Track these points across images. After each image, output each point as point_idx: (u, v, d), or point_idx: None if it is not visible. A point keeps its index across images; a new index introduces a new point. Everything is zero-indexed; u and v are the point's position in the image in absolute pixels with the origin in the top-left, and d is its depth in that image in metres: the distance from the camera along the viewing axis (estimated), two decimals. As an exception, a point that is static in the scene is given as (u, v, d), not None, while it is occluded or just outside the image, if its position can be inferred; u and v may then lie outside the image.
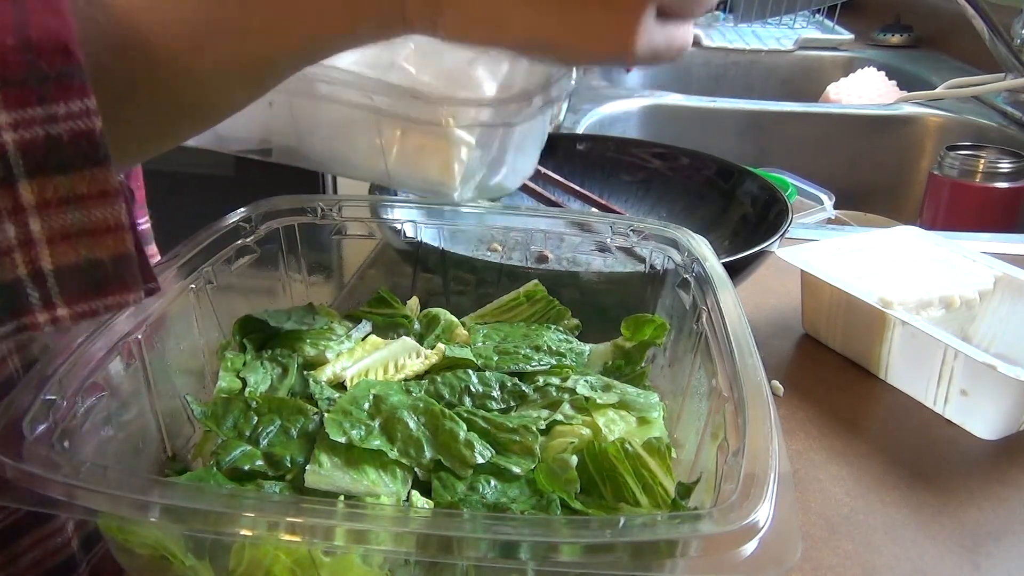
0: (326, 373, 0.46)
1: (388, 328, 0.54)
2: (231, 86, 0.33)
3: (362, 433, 0.39)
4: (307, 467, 0.38)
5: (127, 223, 0.28)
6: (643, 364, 0.50)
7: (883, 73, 1.53)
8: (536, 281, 0.56)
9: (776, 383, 0.60)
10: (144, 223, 0.56)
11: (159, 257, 0.51)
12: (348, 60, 0.50)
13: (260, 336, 0.50)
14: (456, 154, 0.52)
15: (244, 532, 0.29)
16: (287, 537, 0.29)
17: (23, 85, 0.25)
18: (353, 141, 0.54)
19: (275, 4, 0.31)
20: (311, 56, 0.34)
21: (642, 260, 0.55)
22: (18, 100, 0.25)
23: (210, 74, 0.31)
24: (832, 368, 0.64)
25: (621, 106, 1.33)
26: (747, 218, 0.76)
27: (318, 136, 0.54)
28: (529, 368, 0.48)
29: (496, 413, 0.43)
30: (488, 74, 0.49)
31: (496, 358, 0.48)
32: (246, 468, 0.38)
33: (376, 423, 0.40)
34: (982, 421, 0.55)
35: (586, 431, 0.42)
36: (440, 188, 0.55)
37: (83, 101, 0.26)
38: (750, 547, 0.27)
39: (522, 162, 0.58)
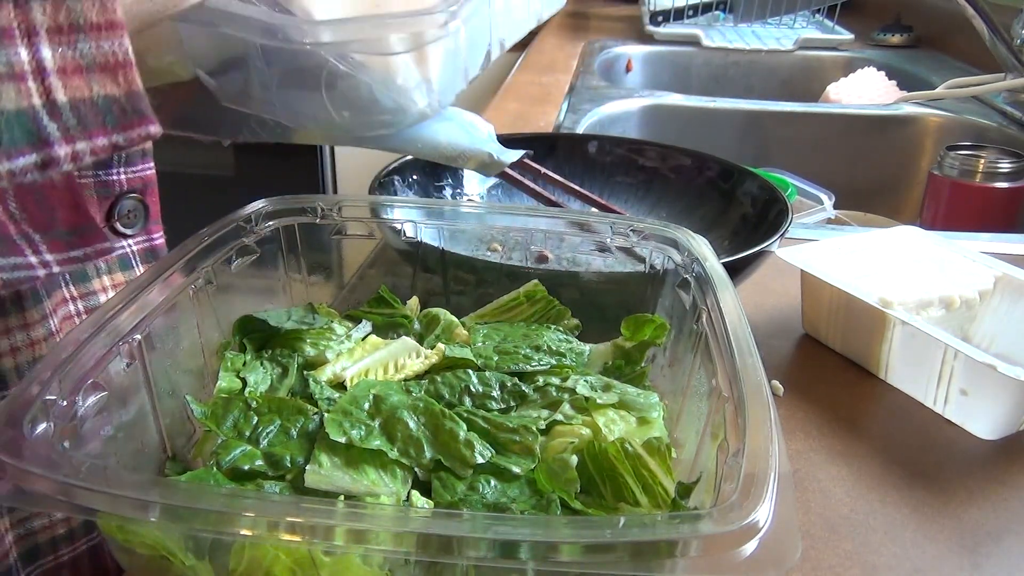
0: (326, 373, 0.46)
1: (388, 328, 0.54)
2: None
3: (362, 433, 0.39)
4: (307, 467, 0.38)
5: (132, 59, 0.28)
6: (643, 364, 0.50)
7: (883, 73, 1.53)
8: (536, 281, 0.56)
9: (776, 383, 0.60)
10: (159, 238, 0.56)
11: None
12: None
13: (260, 336, 0.50)
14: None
15: (244, 532, 0.29)
16: (287, 537, 0.29)
17: None
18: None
19: None
20: None
21: (642, 260, 0.55)
22: None
23: None
24: (832, 368, 0.64)
25: (621, 106, 1.33)
26: (747, 218, 0.76)
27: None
28: (529, 368, 0.48)
29: (496, 413, 0.43)
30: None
31: (496, 358, 0.48)
32: (246, 468, 0.38)
33: (376, 423, 0.40)
34: (982, 421, 0.55)
35: (586, 431, 0.42)
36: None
37: None
38: (750, 547, 0.27)
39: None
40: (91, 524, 0.48)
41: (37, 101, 0.27)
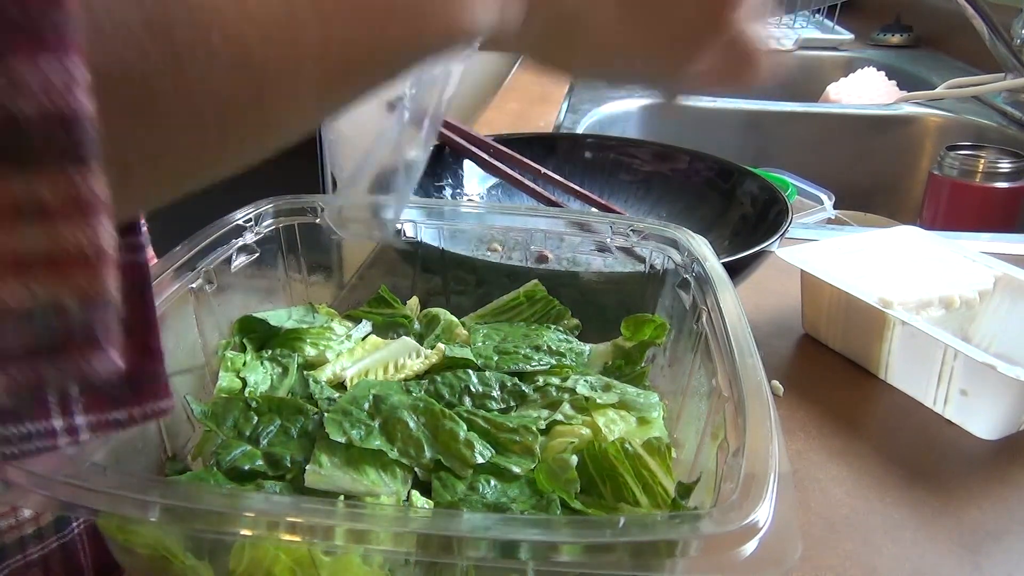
0: (326, 373, 0.46)
1: (388, 328, 0.54)
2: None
3: (362, 433, 0.39)
4: (307, 467, 0.38)
5: (111, 252, 0.18)
6: (643, 364, 0.50)
7: (883, 73, 1.53)
8: (536, 281, 0.56)
9: (776, 383, 0.60)
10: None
11: (156, 260, 0.51)
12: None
13: (260, 336, 0.50)
14: None
15: (244, 532, 0.29)
16: (287, 537, 0.29)
17: None
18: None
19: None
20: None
21: (642, 260, 0.55)
22: None
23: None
24: (832, 368, 0.64)
25: (621, 106, 1.33)
26: (747, 218, 0.76)
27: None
28: (529, 368, 0.48)
29: (496, 413, 0.43)
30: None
31: (496, 358, 0.48)
32: (246, 468, 0.38)
33: (376, 423, 0.40)
34: (982, 421, 0.55)
35: (586, 431, 0.42)
36: None
37: (63, 63, 0.17)
38: (750, 547, 0.27)
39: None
40: (61, 522, 0.47)
41: None
